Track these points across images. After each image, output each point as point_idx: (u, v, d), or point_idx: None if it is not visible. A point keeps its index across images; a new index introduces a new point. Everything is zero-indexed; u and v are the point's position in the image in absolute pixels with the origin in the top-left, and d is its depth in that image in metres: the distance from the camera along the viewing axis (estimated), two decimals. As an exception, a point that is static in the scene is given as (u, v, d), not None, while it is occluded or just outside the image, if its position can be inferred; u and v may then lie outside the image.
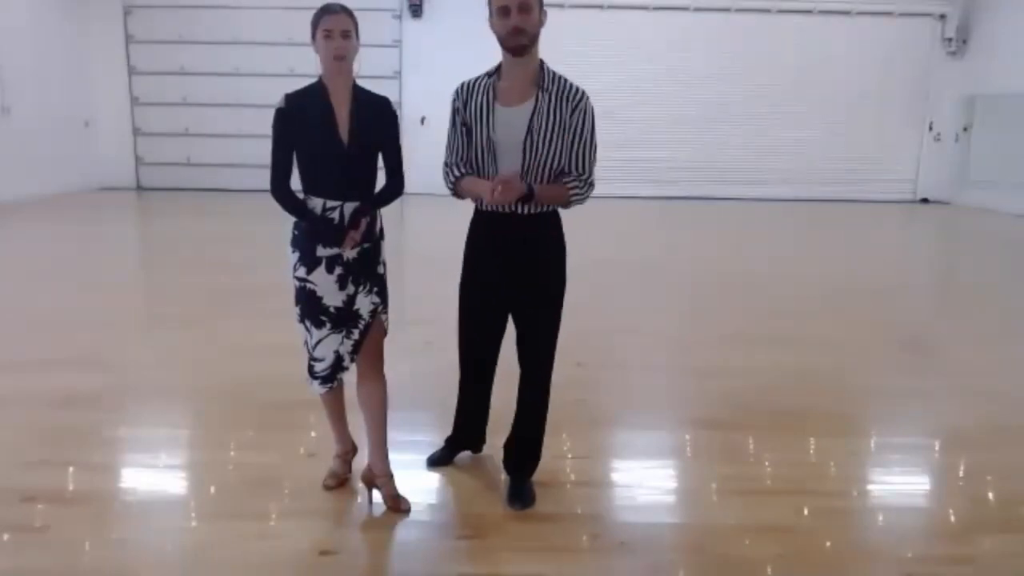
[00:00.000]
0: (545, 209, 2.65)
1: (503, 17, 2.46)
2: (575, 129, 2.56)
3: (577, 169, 2.61)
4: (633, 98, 13.83)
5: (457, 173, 2.66)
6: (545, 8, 2.54)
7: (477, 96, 2.60)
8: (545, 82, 2.56)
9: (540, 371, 2.81)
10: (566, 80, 2.59)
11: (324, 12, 2.58)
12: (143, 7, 13.55)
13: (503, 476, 3.08)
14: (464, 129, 2.63)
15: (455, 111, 2.66)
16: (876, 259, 9.08)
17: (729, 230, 11.23)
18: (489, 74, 2.63)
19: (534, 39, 2.50)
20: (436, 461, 3.18)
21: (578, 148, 2.59)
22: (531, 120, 2.53)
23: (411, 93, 13.39)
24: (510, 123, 2.55)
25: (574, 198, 2.63)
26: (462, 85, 2.67)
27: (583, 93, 2.59)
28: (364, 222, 2.66)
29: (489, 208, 2.64)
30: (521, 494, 2.87)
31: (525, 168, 2.57)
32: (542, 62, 2.59)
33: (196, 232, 9.88)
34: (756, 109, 14.05)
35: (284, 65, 12.34)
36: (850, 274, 7.82)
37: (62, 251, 8.35)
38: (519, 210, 2.61)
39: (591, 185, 2.64)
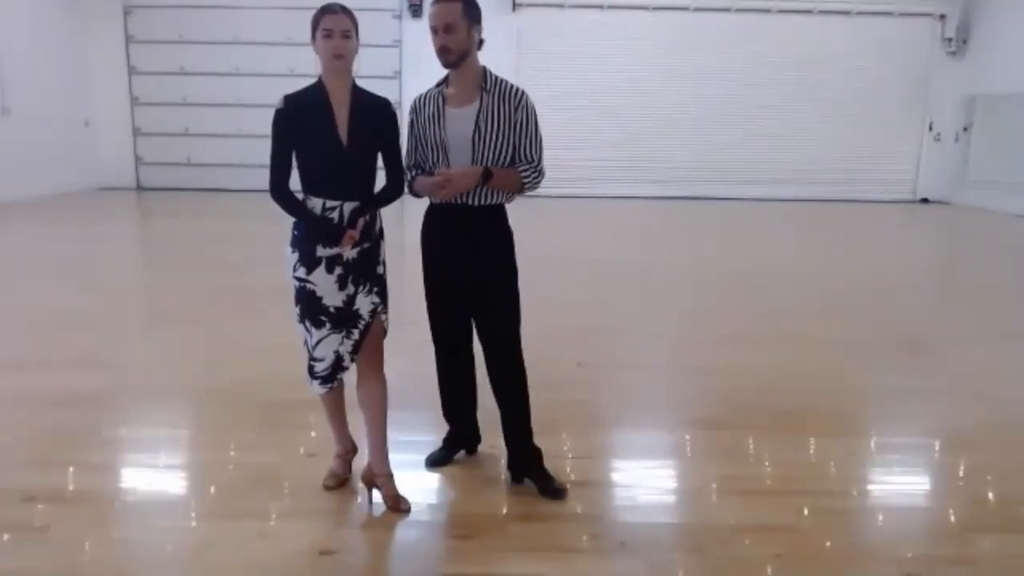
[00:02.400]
0: (491, 201, 2.81)
1: (433, 35, 2.71)
2: (519, 123, 2.78)
3: (527, 158, 2.82)
4: (633, 98, 13.83)
5: (412, 175, 2.85)
6: (482, 37, 2.79)
7: (428, 104, 2.82)
8: (488, 84, 2.77)
9: (506, 357, 2.90)
10: (507, 82, 2.82)
11: (324, 12, 2.59)
12: (143, 7, 13.54)
13: (503, 476, 3.08)
14: (419, 134, 2.83)
15: (411, 121, 2.86)
16: (876, 259, 9.08)
17: (729, 230, 11.23)
18: (439, 84, 2.85)
19: (463, 54, 2.72)
20: (435, 461, 3.19)
21: (525, 141, 2.81)
22: (477, 118, 2.74)
23: (411, 93, 13.25)
24: (458, 123, 2.76)
25: (527, 182, 2.83)
26: (417, 97, 2.89)
27: (523, 92, 2.82)
28: (362, 221, 2.66)
29: (440, 202, 2.82)
30: (551, 487, 2.93)
31: (475, 162, 2.77)
32: (485, 68, 2.81)
33: (196, 232, 9.88)
34: (756, 109, 14.04)
35: (284, 65, 12.34)
36: (850, 274, 7.81)
37: (62, 251, 8.34)
38: (470, 201, 2.79)
39: (542, 173, 2.87)
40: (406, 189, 2.86)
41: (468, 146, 2.76)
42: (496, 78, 2.82)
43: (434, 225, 2.90)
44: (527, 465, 2.98)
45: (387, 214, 2.83)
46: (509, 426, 2.99)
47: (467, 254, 2.83)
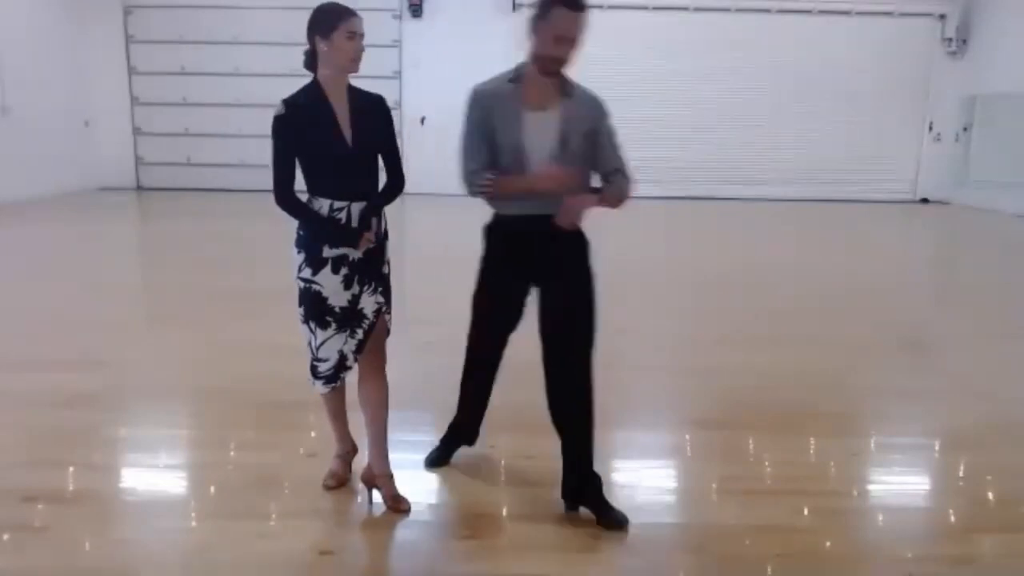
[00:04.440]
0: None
1: (556, 43, 2.51)
2: (605, 130, 2.66)
3: (616, 166, 2.70)
4: (632, 98, 13.77)
5: (488, 176, 2.61)
6: None
7: (502, 103, 2.60)
8: (568, 88, 2.63)
9: (580, 379, 2.68)
10: (583, 86, 2.69)
11: (347, 13, 2.55)
12: (143, 7, 13.54)
13: (503, 478, 3.08)
14: (487, 135, 2.61)
15: (478, 118, 2.62)
16: (876, 259, 9.08)
17: (729, 230, 11.23)
18: (510, 79, 2.63)
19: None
20: (435, 461, 3.17)
21: (611, 148, 2.69)
22: (561, 125, 2.59)
23: (411, 93, 13.38)
24: (539, 127, 2.59)
25: (628, 192, 2.72)
26: (480, 91, 2.65)
27: (600, 97, 2.69)
28: (375, 222, 2.67)
29: (517, 213, 2.66)
30: (613, 517, 2.72)
31: None
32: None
33: (196, 232, 9.88)
34: (755, 109, 14.03)
35: (284, 65, 12.23)
36: (850, 274, 7.81)
37: (62, 251, 8.34)
38: (548, 213, 2.60)
39: (632, 179, 2.75)
40: (468, 191, 2.66)
41: (549, 153, 2.60)
42: (575, 82, 2.68)
43: (511, 237, 2.72)
44: (585, 493, 2.76)
45: (387, 214, 2.83)
46: (572, 451, 2.74)
47: (548, 269, 2.68)
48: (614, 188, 2.69)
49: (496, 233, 2.78)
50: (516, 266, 2.75)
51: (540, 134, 2.59)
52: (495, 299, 2.84)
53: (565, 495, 2.79)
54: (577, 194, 2.58)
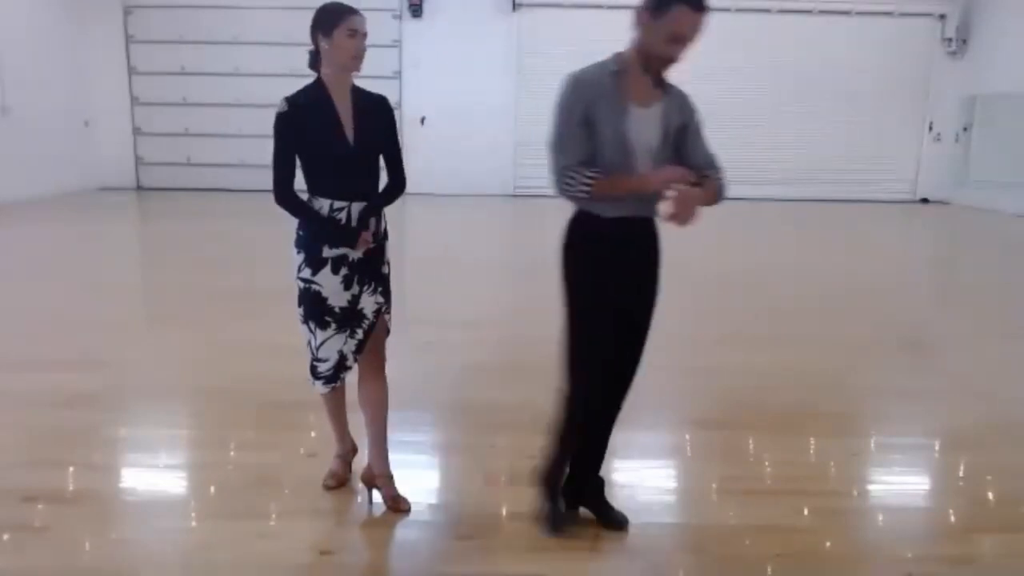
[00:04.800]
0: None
1: (675, 44, 2.33)
2: (691, 125, 2.51)
3: (707, 161, 2.52)
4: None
5: (591, 173, 2.35)
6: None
7: (605, 94, 2.38)
8: (666, 84, 2.48)
9: (628, 388, 2.68)
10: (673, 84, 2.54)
11: (348, 11, 2.55)
12: (143, 7, 13.54)
13: (503, 478, 3.08)
14: (588, 128, 2.38)
15: (576, 107, 2.37)
16: (876, 259, 9.08)
17: (729, 230, 11.21)
18: (611, 72, 2.41)
19: None
20: (561, 522, 2.69)
21: (703, 142, 2.54)
22: (662, 121, 2.44)
23: (411, 93, 13.38)
24: (644, 124, 2.42)
25: (726, 188, 2.54)
26: (581, 79, 2.39)
27: (686, 92, 2.56)
28: (373, 222, 2.66)
29: (615, 215, 2.42)
30: (614, 517, 2.72)
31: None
32: None
33: (196, 232, 9.88)
34: (756, 109, 14.04)
35: (284, 65, 12.27)
36: (850, 274, 7.81)
37: (62, 251, 8.35)
38: (648, 214, 2.47)
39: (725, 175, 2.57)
40: (562, 189, 2.40)
41: (651, 151, 2.42)
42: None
43: (614, 240, 2.45)
44: (585, 493, 2.75)
45: (387, 214, 2.82)
46: (593, 456, 2.72)
47: (644, 274, 2.55)
48: (714, 184, 2.47)
49: (596, 239, 2.45)
50: (620, 277, 2.47)
51: (644, 131, 2.41)
52: (608, 319, 2.49)
53: (566, 494, 2.74)
54: (688, 190, 2.34)
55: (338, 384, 2.83)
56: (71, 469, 3.10)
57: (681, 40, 2.32)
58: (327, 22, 2.54)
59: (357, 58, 2.57)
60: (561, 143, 2.39)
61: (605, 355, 2.53)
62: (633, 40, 2.41)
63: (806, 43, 13.87)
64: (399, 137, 2.81)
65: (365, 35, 2.57)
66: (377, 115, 2.69)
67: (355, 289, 2.70)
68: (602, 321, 2.48)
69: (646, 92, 2.42)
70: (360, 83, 2.70)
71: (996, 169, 13.25)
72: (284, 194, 2.59)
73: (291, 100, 2.58)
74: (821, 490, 3.07)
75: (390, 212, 2.79)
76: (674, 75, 2.45)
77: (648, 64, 2.39)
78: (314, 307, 2.69)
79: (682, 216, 2.32)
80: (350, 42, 2.54)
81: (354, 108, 2.63)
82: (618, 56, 2.44)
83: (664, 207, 2.37)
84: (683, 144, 2.49)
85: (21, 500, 2.82)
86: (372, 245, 2.67)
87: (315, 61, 2.63)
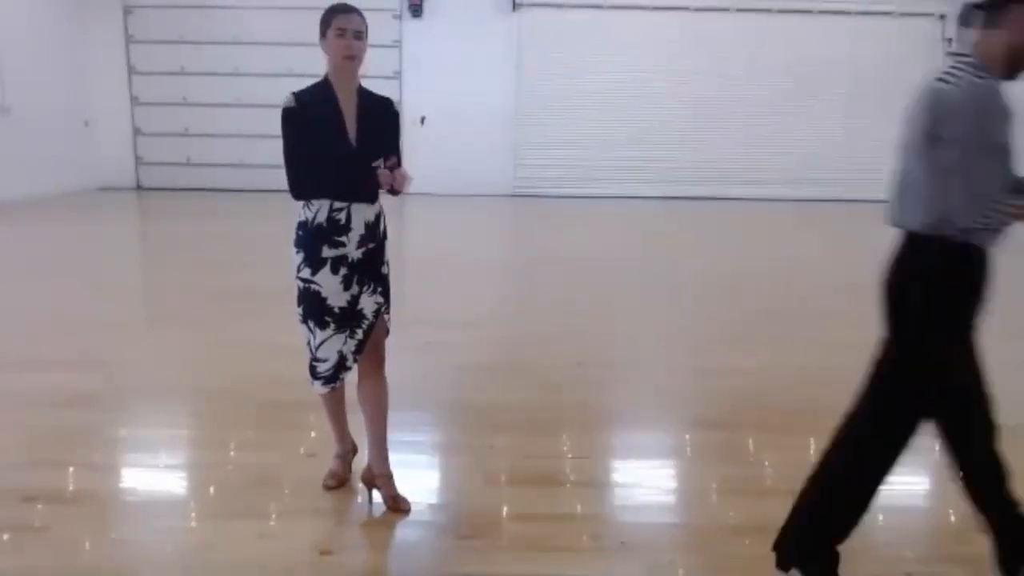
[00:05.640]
0: None
1: None
2: None
3: None
4: (633, 98, 13.81)
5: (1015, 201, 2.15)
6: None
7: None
8: None
9: None
10: None
11: (338, 11, 2.57)
12: (143, 7, 13.54)
13: (503, 478, 3.08)
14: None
15: (1005, 129, 2.19)
16: (876, 259, 9.04)
17: (729, 230, 11.23)
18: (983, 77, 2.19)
19: None
20: None
21: None
22: None
23: (411, 93, 13.38)
24: None
25: None
26: (995, 91, 2.19)
27: None
28: (395, 172, 2.62)
29: (990, 245, 2.28)
30: None
31: None
32: None
33: (196, 232, 9.87)
34: (756, 109, 14.03)
35: (284, 65, 12.31)
36: (850, 274, 7.80)
37: (62, 251, 8.34)
38: None
39: None
40: (979, 218, 2.24)
41: None
42: None
43: (986, 276, 2.38)
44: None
45: (387, 213, 2.83)
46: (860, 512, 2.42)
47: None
48: None
49: (979, 271, 2.34)
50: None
51: None
52: (977, 358, 2.35)
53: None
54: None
55: (337, 384, 2.83)
56: (71, 469, 3.10)
57: None
58: (323, 23, 2.58)
59: (349, 57, 2.57)
60: (990, 166, 2.20)
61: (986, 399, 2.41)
62: (998, 41, 2.16)
63: (806, 43, 13.87)
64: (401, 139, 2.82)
65: (359, 34, 2.57)
66: (381, 117, 2.70)
67: (354, 289, 2.70)
68: (976, 363, 2.40)
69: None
70: (361, 83, 2.71)
71: (996, 169, 13.23)
72: (302, 188, 2.60)
73: (297, 96, 2.60)
74: (821, 490, 3.06)
75: (390, 212, 2.79)
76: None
77: (1017, 66, 2.18)
78: (313, 307, 2.69)
79: None
80: (340, 41, 2.55)
81: (358, 109, 2.63)
82: (974, 62, 2.21)
83: None
84: None
85: (21, 500, 2.83)
86: (392, 187, 2.62)
87: None
